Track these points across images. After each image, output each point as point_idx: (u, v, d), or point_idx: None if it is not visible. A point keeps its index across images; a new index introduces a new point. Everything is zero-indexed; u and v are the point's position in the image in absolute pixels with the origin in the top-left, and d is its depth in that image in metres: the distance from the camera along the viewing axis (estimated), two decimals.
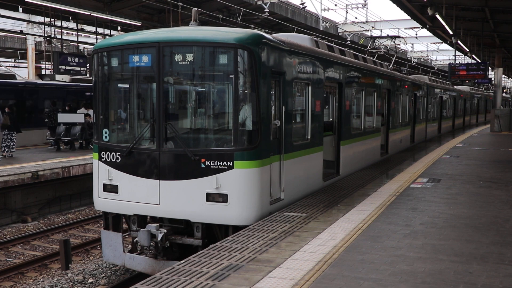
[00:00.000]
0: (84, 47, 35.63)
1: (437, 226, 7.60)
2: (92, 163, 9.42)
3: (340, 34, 37.11)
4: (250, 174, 7.77)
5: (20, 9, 27.59)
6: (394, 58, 25.82)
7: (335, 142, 11.83)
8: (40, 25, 29.57)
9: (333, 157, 11.84)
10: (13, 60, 44.24)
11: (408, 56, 52.13)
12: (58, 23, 26.35)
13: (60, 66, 23.55)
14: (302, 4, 28.73)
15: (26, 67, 36.73)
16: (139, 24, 24.48)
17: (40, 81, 24.33)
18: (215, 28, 9.05)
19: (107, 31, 28.83)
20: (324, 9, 35.25)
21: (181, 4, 22.80)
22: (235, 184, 7.73)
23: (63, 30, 27.32)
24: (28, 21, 30.21)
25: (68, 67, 23.90)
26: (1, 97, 21.54)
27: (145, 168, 8.21)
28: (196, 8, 9.19)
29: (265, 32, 8.85)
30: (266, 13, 26.22)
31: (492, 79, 35.37)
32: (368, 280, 5.34)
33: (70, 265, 9.66)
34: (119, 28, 30.56)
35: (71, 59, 24.30)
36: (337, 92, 11.74)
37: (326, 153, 11.19)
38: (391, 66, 23.22)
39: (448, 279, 5.37)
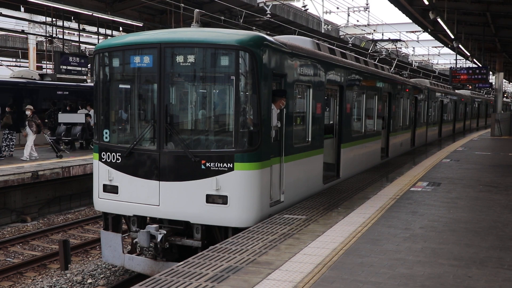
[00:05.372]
0: (85, 47, 35.63)
1: (437, 230, 7.60)
2: (92, 163, 9.42)
3: (341, 37, 37.13)
4: (251, 176, 7.76)
5: (22, 9, 27.60)
6: (395, 62, 25.85)
7: (335, 144, 11.83)
8: (42, 25, 29.59)
9: (333, 160, 11.84)
10: (14, 60, 44.30)
11: (409, 60, 52.17)
12: (59, 23, 26.36)
13: (61, 66, 23.56)
14: (304, 6, 28.73)
15: (28, 67, 36.77)
16: (141, 25, 24.48)
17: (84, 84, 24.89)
18: (217, 29, 9.07)
19: (108, 32, 28.85)
20: (326, 12, 35.29)
21: (183, 5, 22.83)
22: (235, 185, 7.72)
23: (64, 30, 27.32)
24: (30, 21, 30.25)
25: (69, 67, 23.91)
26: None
27: (145, 169, 8.21)
28: (197, 10, 9.19)
29: (267, 34, 8.84)
30: (268, 15, 26.22)
31: (493, 83, 35.39)
32: (367, 283, 5.33)
33: (69, 265, 9.65)
34: (120, 28, 30.57)
35: (73, 59, 24.33)
36: (338, 94, 11.75)
37: (327, 156, 11.19)
38: (392, 69, 23.24)
39: (447, 283, 5.37)
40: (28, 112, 17.08)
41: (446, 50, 45.22)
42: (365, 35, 38.59)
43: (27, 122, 17.03)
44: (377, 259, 6.16)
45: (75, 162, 16.23)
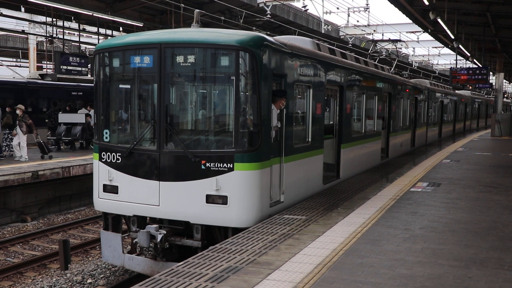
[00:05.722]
0: (85, 48, 35.64)
1: (437, 231, 7.59)
2: (92, 163, 9.42)
3: (341, 37, 37.13)
4: (251, 176, 7.76)
5: (22, 9, 27.61)
6: (395, 62, 25.84)
7: (335, 145, 11.82)
8: (42, 25, 29.58)
9: (333, 160, 11.84)
10: (14, 60, 44.30)
11: (409, 60, 52.15)
12: (60, 23, 26.37)
13: (61, 66, 23.59)
14: (304, 7, 28.73)
15: (28, 67, 36.76)
16: (141, 25, 24.49)
17: None
18: (217, 30, 9.07)
19: (109, 32, 28.85)
20: (326, 12, 35.27)
21: (183, 5, 22.83)
22: (235, 186, 7.72)
23: (65, 30, 27.33)
24: (30, 21, 30.24)
25: (69, 67, 23.94)
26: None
27: (145, 169, 8.21)
28: (198, 10, 9.19)
29: (267, 35, 8.84)
30: (268, 16, 26.22)
31: (493, 84, 35.38)
32: (367, 283, 5.33)
33: (69, 265, 9.66)
34: (121, 28, 30.57)
35: (73, 59, 24.35)
36: (338, 95, 11.75)
37: (327, 156, 11.18)
38: (392, 69, 23.24)
39: (447, 284, 5.37)
40: (18, 112, 16.75)
41: (446, 50, 45.23)
42: (365, 35, 38.59)
43: (17, 122, 16.75)
44: (377, 259, 6.16)
45: (75, 162, 16.24)
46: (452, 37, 23.98)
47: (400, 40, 27.09)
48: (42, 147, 17.08)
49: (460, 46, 26.03)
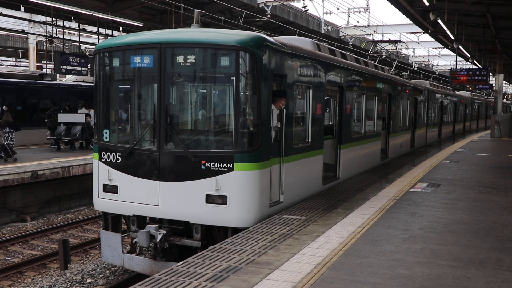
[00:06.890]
0: (85, 47, 35.63)
1: (436, 231, 7.60)
2: (92, 163, 9.42)
3: (341, 37, 37.14)
4: (250, 176, 7.77)
5: (22, 8, 27.60)
6: (395, 63, 25.88)
7: (335, 145, 11.84)
8: (42, 25, 29.59)
9: (333, 161, 11.85)
10: (14, 60, 44.30)
11: (409, 61, 52.16)
12: (60, 22, 26.37)
13: (61, 66, 23.59)
14: (304, 7, 28.74)
15: (27, 67, 36.77)
16: (141, 25, 24.49)
17: None
18: (217, 30, 9.07)
19: (109, 32, 28.85)
20: (326, 13, 35.34)
21: (183, 5, 22.83)
22: (235, 186, 7.73)
23: (64, 30, 27.33)
24: (30, 21, 30.24)
25: (69, 67, 23.95)
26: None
27: (145, 169, 8.22)
28: (198, 10, 9.20)
29: (267, 35, 8.85)
30: (268, 16, 26.23)
31: (493, 85, 35.40)
32: (366, 284, 5.34)
33: (69, 265, 9.66)
34: (121, 28, 30.57)
35: (73, 59, 24.33)
36: (338, 95, 11.76)
37: (326, 157, 11.19)
38: (392, 70, 23.25)
39: (446, 284, 5.37)
40: None
41: (446, 51, 45.27)
42: (365, 36, 38.60)
43: None
44: (376, 259, 6.17)
45: (75, 162, 16.24)
46: (452, 38, 23.99)
47: (400, 41, 27.10)
48: (6, 150, 16.59)
49: (460, 47, 26.04)
